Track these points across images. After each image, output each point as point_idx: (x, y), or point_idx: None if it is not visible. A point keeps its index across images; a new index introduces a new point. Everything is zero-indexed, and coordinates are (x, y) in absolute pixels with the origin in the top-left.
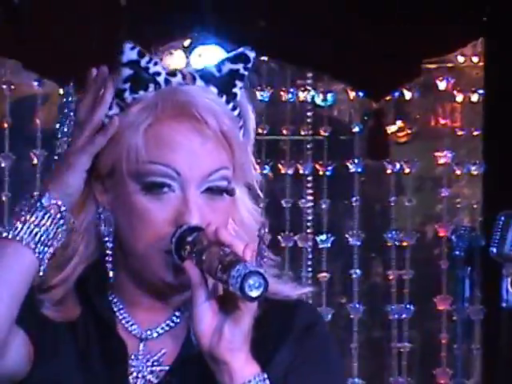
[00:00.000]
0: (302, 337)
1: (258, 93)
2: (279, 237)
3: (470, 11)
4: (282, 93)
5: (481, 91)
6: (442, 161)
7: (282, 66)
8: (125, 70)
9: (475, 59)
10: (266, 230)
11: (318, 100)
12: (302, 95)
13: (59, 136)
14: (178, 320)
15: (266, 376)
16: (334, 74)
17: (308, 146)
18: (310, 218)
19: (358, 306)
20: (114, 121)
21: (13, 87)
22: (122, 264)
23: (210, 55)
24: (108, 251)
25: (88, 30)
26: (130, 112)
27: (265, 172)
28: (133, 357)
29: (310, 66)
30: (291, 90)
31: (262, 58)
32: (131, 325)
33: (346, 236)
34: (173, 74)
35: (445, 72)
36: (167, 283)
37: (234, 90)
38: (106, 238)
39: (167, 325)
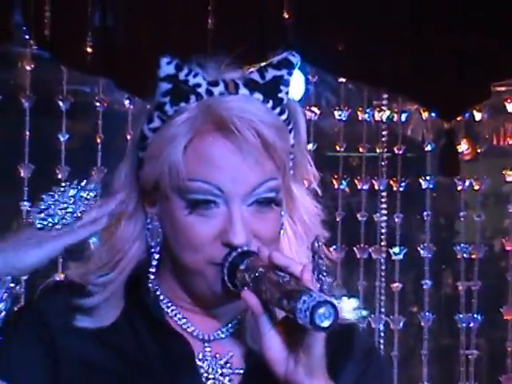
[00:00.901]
0: (363, 361)
1: (336, 112)
2: (355, 248)
3: None
4: (358, 112)
5: None
6: (509, 178)
7: (359, 87)
8: (163, 84)
9: None
10: (321, 243)
11: (391, 117)
12: (377, 115)
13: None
14: (239, 324)
15: None
16: (408, 96)
17: (382, 163)
18: (383, 231)
19: (428, 314)
20: (102, 219)
21: (105, 104)
22: (172, 273)
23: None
24: (153, 261)
25: (177, 51)
26: (172, 124)
27: (342, 187)
28: (200, 356)
29: (386, 88)
30: (367, 110)
31: (341, 79)
32: (190, 326)
33: (418, 248)
34: (215, 83)
35: None
36: (218, 295)
37: (280, 95)
38: (153, 249)
39: (231, 327)
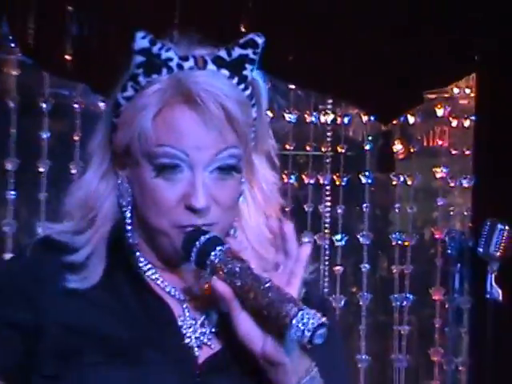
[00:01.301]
0: (320, 309)
1: (286, 115)
2: (302, 236)
3: (465, 51)
4: (306, 116)
5: (472, 118)
6: (438, 175)
7: (307, 93)
8: (137, 57)
9: (467, 91)
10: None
11: (334, 120)
12: (323, 118)
13: None
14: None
15: (314, 365)
16: (350, 101)
17: (327, 161)
18: (327, 220)
19: (366, 294)
20: None
21: (82, 106)
22: (142, 234)
23: None
24: (127, 220)
25: None
26: (144, 94)
27: (291, 181)
28: (180, 317)
29: (330, 94)
30: (314, 113)
31: (291, 86)
32: (167, 286)
33: (358, 236)
34: (185, 58)
35: (442, 101)
36: (182, 255)
37: (245, 72)
38: (124, 209)
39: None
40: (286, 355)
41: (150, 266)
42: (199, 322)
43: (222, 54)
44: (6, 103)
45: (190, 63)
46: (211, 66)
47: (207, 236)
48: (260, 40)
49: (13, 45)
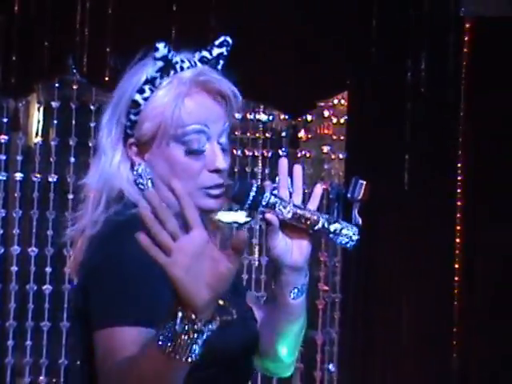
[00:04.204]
0: None
1: (236, 114)
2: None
3: (340, 76)
4: (248, 115)
5: (345, 117)
6: (325, 150)
7: (247, 101)
8: (158, 63)
9: (343, 101)
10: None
11: (265, 118)
12: (257, 116)
13: None
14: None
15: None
16: (274, 106)
17: (260, 142)
18: (259, 177)
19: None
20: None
21: None
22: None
23: None
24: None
25: None
26: (166, 90)
27: (238, 153)
28: None
29: (262, 102)
30: (252, 113)
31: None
32: None
33: (275, 185)
34: (181, 60)
35: (328, 107)
36: (201, 209)
37: (219, 66)
38: (147, 185)
39: None
40: (305, 262)
41: None
42: None
43: (206, 54)
44: (70, 105)
45: (187, 64)
46: (199, 64)
47: (256, 185)
48: (230, 40)
49: (74, 70)
